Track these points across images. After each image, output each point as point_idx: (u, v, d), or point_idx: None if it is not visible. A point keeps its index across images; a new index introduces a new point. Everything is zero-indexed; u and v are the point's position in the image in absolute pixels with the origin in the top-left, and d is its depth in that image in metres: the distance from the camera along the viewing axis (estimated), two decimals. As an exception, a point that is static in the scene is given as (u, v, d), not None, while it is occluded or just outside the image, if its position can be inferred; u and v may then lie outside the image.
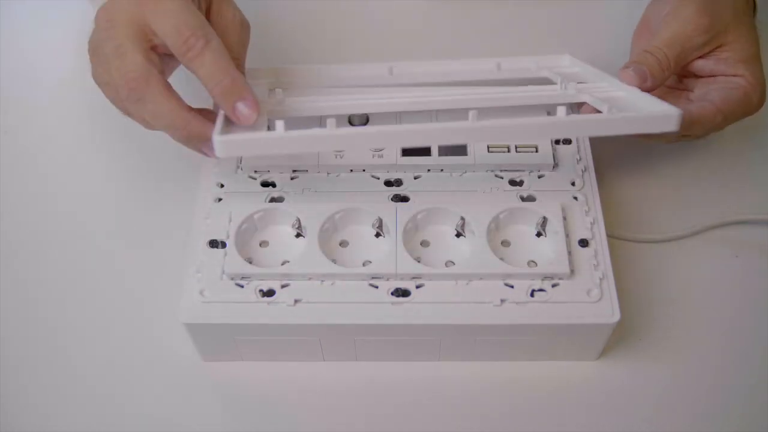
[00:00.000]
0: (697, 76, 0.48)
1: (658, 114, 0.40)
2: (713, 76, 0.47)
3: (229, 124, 0.41)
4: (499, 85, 0.49)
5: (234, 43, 0.43)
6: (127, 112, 0.42)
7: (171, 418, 0.42)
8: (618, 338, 0.44)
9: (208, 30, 0.40)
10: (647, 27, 0.50)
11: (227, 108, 0.40)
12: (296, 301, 0.40)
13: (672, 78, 0.49)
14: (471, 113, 0.39)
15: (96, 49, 0.41)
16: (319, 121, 0.46)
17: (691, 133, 0.46)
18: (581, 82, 0.48)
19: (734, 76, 0.47)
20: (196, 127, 0.40)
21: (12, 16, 0.62)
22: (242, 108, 0.40)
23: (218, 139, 0.38)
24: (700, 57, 0.47)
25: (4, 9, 0.62)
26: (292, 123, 0.39)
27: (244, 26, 0.44)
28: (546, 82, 0.49)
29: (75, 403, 0.43)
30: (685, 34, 0.46)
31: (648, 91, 0.44)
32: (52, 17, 0.62)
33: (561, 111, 0.40)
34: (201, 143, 0.41)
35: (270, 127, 0.40)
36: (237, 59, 0.42)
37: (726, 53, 0.47)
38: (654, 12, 0.49)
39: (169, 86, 0.40)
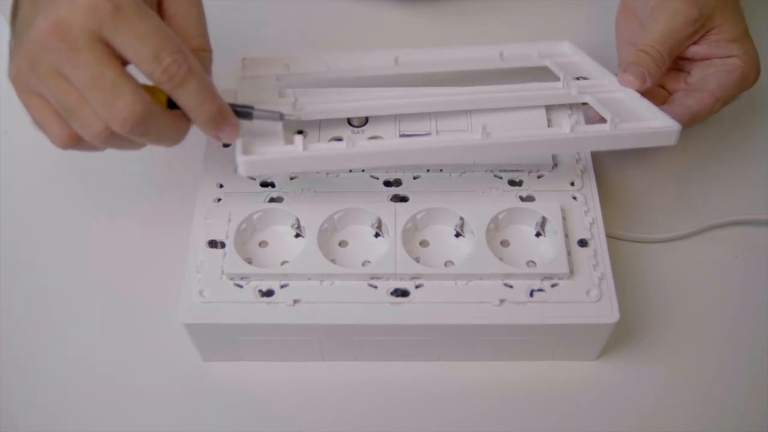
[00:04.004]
0: (692, 60, 0.49)
1: (659, 129, 0.42)
2: (708, 59, 0.48)
3: (251, 141, 0.41)
4: (502, 74, 0.50)
5: (194, 24, 0.40)
6: (106, 146, 0.38)
7: (171, 418, 0.42)
8: (618, 338, 0.44)
9: (187, 53, 0.36)
10: (633, 14, 0.51)
11: (210, 134, 0.39)
12: (295, 301, 0.40)
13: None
14: (478, 129, 0.41)
15: (45, 73, 0.35)
16: (319, 125, 0.47)
17: (693, 125, 0.47)
18: (581, 77, 0.48)
19: (729, 57, 0.48)
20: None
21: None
22: (226, 133, 0.39)
23: (243, 159, 0.39)
24: (692, 43, 0.48)
25: (3, 8, 0.62)
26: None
27: (200, 3, 0.41)
28: (547, 72, 0.50)
29: (75, 403, 0.43)
30: (675, 28, 0.47)
31: (649, 88, 0.46)
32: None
33: (565, 126, 0.42)
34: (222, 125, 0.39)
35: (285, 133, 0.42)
36: (202, 38, 0.40)
37: (716, 36, 0.48)
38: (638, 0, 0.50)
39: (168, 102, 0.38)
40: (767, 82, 0.50)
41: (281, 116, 0.41)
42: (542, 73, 0.50)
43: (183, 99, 0.37)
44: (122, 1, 0.34)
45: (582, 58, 0.51)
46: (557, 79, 0.48)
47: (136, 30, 0.35)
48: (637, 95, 0.45)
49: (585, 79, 0.49)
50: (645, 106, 0.45)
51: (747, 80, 0.48)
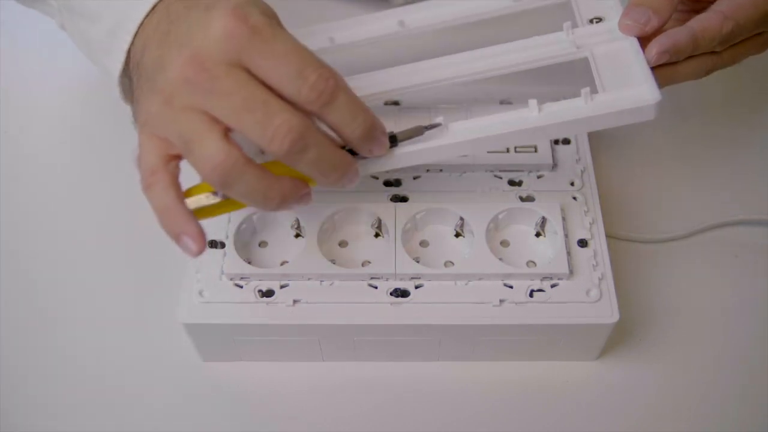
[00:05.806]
0: None
1: (633, 106, 0.38)
2: None
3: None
4: (513, 19, 0.46)
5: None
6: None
7: (171, 418, 0.42)
8: (617, 338, 0.44)
9: (329, 66, 0.34)
10: None
11: (363, 150, 0.36)
12: (295, 302, 0.40)
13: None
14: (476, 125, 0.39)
15: (179, 108, 0.33)
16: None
17: (702, 50, 0.40)
18: (596, 18, 0.44)
19: None
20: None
21: (12, 17, 0.62)
22: (378, 144, 0.36)
23: None
24: None
25: (4, 9, 0.62)
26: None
27: None
28: (566, 6, 0.45)
29: (74, 403, 0.43)
30: None
31: (656, 29, 0.40)
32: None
33: (533, 107, 0.38)
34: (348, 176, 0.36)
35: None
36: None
37: None
38: None
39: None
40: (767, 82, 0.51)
41: (423, 130, 0.38)
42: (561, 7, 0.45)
43: (334, 116, 0.34)
44: (258, 22, 0.33)
45: None
46: (570, 24, 0.43)
47: (276, 50, 0.33)
48: (637, 46, 0.40)
49: (599, 20, 0.43)
50: (638, 63, 0.39)
51: None
